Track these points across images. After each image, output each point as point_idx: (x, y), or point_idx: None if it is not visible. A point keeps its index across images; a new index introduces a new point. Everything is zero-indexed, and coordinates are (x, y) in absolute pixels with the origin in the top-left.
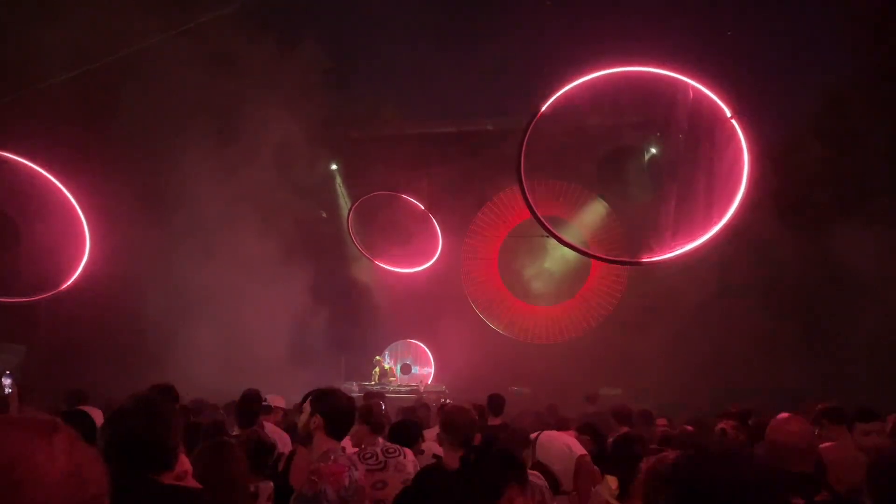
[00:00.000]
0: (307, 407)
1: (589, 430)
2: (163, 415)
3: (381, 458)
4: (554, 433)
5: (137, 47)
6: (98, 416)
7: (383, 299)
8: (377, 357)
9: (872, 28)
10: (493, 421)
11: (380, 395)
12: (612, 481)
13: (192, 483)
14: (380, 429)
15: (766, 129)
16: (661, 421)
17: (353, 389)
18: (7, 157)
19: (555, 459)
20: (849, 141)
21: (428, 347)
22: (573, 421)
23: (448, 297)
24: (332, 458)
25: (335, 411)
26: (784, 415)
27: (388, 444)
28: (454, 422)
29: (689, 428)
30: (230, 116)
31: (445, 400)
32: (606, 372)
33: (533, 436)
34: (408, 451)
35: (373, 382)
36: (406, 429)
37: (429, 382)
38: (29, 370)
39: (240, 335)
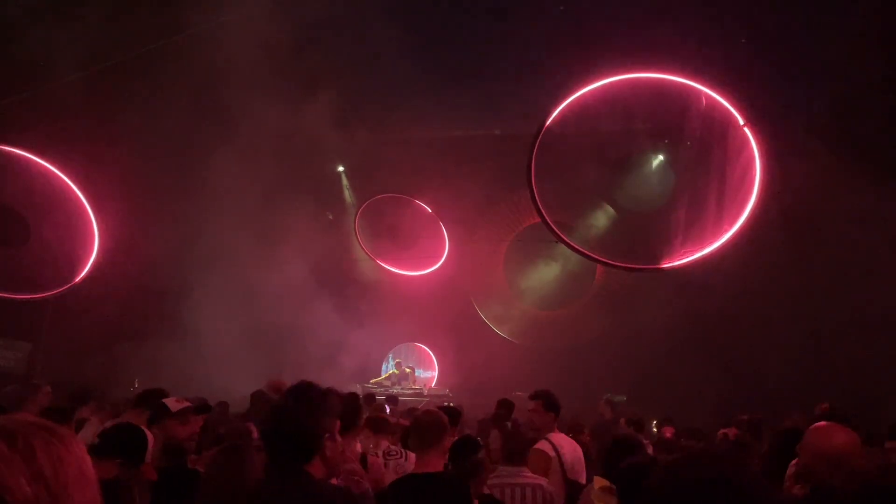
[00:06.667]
0: None
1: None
2: (319, 405)
3: (381, 459)
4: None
5: (149, 47)
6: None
7: (388, 302)
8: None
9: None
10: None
11: (392, 399)
12: (598, 481)
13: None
14: (383, 431)
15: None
16: (667, 429)
17: (357, 391)
18: (17, 153)
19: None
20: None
21: (432, 351)
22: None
23: (453, 301)
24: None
25: (345, 410)
26: (823, 423)
27: (392, 446)
28: (422, 426)
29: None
30: (239, 117)
31: (449, 403)
32: (611, 378)
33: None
34: (410, 455)
35: (383, 378)
36: None
37: (432, 386)
38: (34, 367)
39: (245, 337)
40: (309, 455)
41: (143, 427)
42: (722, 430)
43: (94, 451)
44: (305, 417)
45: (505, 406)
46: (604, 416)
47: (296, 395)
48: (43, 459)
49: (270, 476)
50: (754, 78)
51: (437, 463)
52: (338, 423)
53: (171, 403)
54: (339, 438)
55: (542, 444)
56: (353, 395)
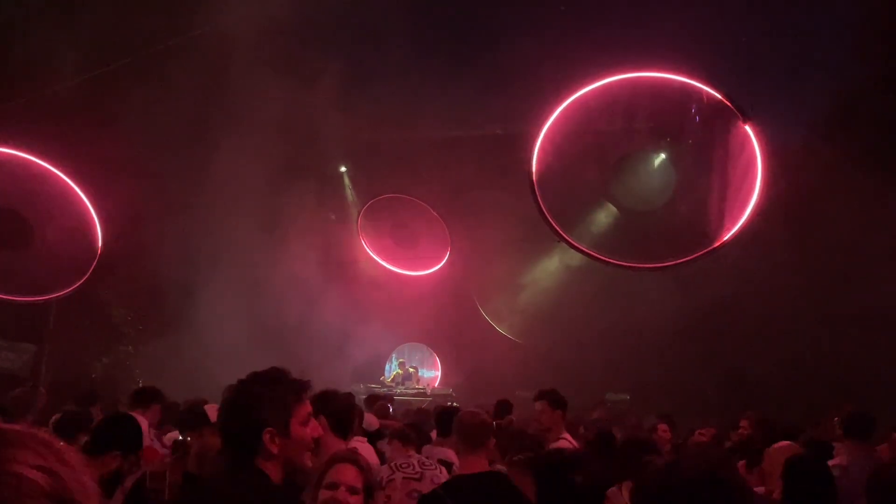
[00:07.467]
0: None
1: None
2: (258, 397)
3: (417, 468)
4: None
5: (153, 49)
6: (143, 423)
7: (391, 302)
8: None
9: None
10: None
11: (388, 398)
12: (625, 487)
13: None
14: (411, 443)
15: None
16: (661, 426)
17: (360, 391)
18: (18, 155)
19: None
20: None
21: (435, 351)
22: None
23: (456, 301)
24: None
25: (340, 410)
26: None
27: (424, 458)
28: (468, 427)
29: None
30: (241, 116)
31: (452, 403)
32: (614, 377)
33: None
34: (443, 468)
35: (389, 380)
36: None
37: (436, 385)
38: (38, 369)
39: (249, 338)
40: (249, 450)
41: (134, 415)
42: (698, 431)
43: (91, 447)
44: (241, 410)
45: (500, 406)
46: (595, 415)
47: (238, 388)
48: (77, 466)
49: (221, 469)
50: (756, 76)
51: (483, 463)
52: (292, 416)
53: (211, 412)
54: (297, 433)
55: (563, 444)
56: (345, 397)
